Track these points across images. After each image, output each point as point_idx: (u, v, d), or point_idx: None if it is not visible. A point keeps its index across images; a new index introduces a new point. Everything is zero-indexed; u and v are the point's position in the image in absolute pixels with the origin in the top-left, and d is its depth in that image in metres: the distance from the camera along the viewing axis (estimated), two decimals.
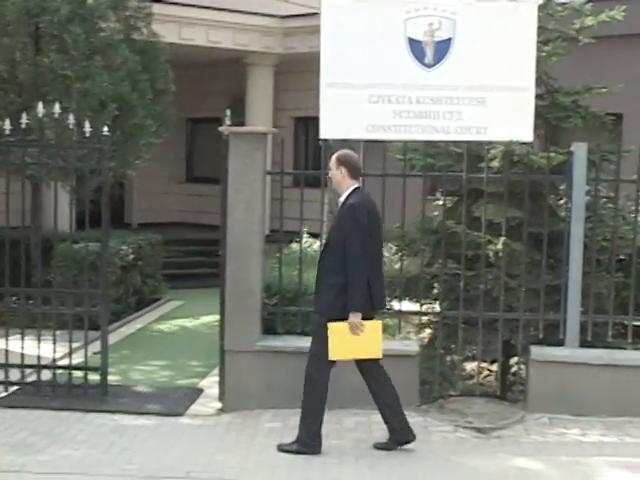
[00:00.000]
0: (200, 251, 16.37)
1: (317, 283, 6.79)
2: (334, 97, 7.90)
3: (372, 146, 8.06)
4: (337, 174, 6.78)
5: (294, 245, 10.52)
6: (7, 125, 7.99)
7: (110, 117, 11.19)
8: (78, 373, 8.17)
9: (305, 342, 7.86)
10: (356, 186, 6.76)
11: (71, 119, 8.04)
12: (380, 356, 6.69)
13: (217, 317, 8.15)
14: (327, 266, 6.66)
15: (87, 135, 8.02)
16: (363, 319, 6.57)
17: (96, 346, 8.34)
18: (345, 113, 7.92)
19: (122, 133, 11.71)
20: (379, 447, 6.87)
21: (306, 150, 19.86)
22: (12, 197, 8.16)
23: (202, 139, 20.88)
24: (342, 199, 6.76)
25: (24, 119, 8.01)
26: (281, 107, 18.87)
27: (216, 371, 8.41)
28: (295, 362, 7.70)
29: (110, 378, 8.30)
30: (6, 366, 8.17)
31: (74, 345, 8.24)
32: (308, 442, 6.73)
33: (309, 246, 11.20)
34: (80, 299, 8.39)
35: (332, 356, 6.61)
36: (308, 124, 19.14)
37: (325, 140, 8.10)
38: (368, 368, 6.79)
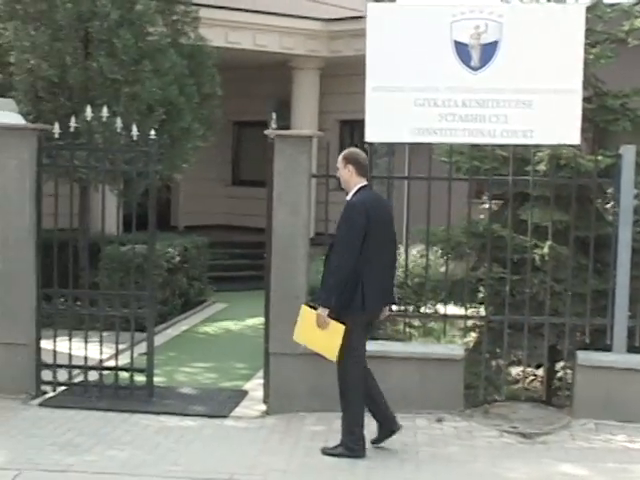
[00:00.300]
0: (245, 254, 16.42)
1: (321, 281, 6.71)
2: (380, 100, 7.88)
3: (417, 149, 8.02)
4: (345, 172, 6.76)
5: None
6: (56, 129, 8.07)
7: (158, 121, 11.29)
8: (124, 374, 8.23)
9: None
10: (363, 184, 6.73)
11: (119, 123, 8.11)
12: (334, 358, 6.61)
13: (262, 320, 8.16)
14: (331, 264, 6.60)
15: (135, 139, 8.08)
16: (356, 322, 6.56)
17: (142, 348, 8.40)
18: (391, 116, 7.90)
19: (169, 136, 11.80)
20: (374, 442, 6.85)
21: None
22: (60, 200, 8.25)
23: (248, 142, 20.94)
24: (348, 197, 6.73)
25: (73, 123, 8.09)
26: (326, 110, 18.86)
27: (261, 374, 8.43)
28: None
29: (156, 379, 8.35)
30: (54, 367, 8.26)
31: (121, 346, 8.30)
32: (352, 446, 6.71)
33: None
34: (127, 301, 8.45)
35: (295, 337, 6.74)
36: (353, 127, 19.10)
37: (370, 143, 8.08)
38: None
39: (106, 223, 8.42)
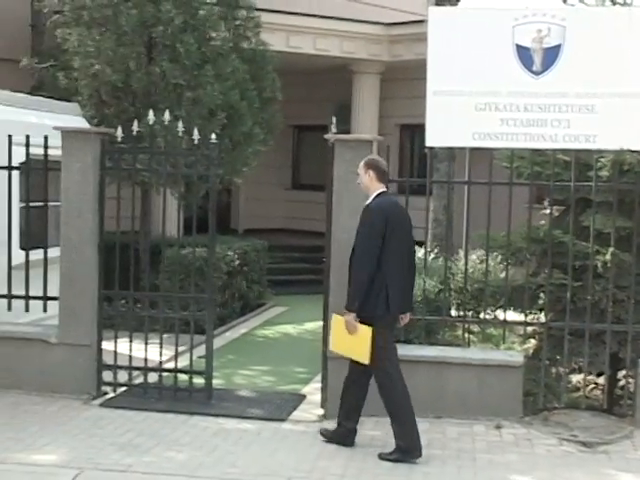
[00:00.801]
0: (304, 257, 16.45)
1: (348, 283, 6.83)
2: (440, 105, 7.83)
3: (478, 154, 7.96)
4: (365, 178, 6.95)
5: None
6: (119, 132, 8.16)
7: (219, 125, 11.37)
8: (183, 376, 8.28)
9: (408, 350, 7.83)
10: (382, 190, 6.89)
11: (181, 127, 8.17)
12: (367, 361, 6.69)
13: (321, 323, 8.15)
14: (352, 268, 6.75)
15: (196, 142, 8.14)
16: (383, 324, 6.67)
17: (201, 350, 8.44)
18: (451, 121, 7.85)
19: (230, 141, 11.88)
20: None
21: (411, 158, 19.78)
22: (122, 203, 8.33)
23: (308, 146, 21.00)
24: (367, 202, 6.88)
25: (136, 127, 8.18)
26: (387, 114, 18.82)
27: (319, 377, 8.42)
28: None
29: (214, 382, 8.39)
30: (115, 368, 8.34)
31: (180, 349, 8.35)
32: (407, 451, 6.67)
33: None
34: (186, 303, 8.51)
35: (331, 347, 6.93)
36: (414, 132, 19.05)
37: (431, 148, 8.03)
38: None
39: (167, 226, 8.50)
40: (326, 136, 7.91)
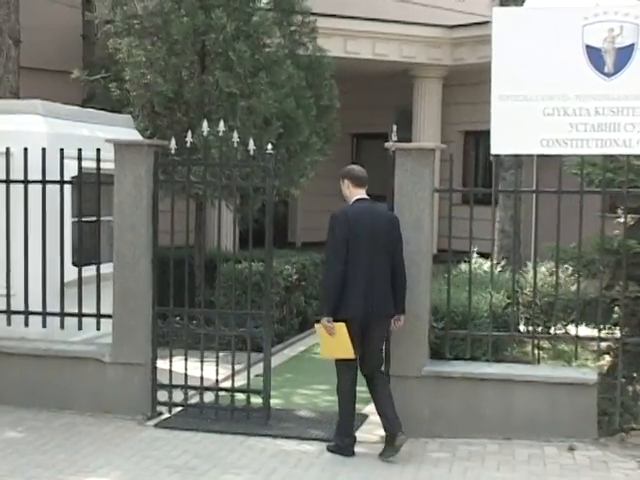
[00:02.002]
0: None
1: None
2: (506, 110, 7.77)
3: (546, 162, 7.88)
4: (344, 189, 7.48)
5: (463, 266, 10.40)
6: (173, 144, 8.23)
7: (275, 135, 11.41)
8: (241, 396, 8.30)
9: (474, 367, 7.77)
10: (360, 197, 7.37)
11: (235, 137, 8.22)
12: (352, 356, 7.19)
13: None
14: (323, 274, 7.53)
15: (252, 153, 8.18)
16: (346, 324, 7.14)
17: (259, 368, 8.46)
18: (518, 127, 7.78)
19: (286, 151, 11.91)
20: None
21: (476, 166, 19.69)
22: (176, 216, 8.39)
23: (367, 155, 21.00)
24: None
25: (189, 138, 8.24)
26: (450, 121, 18.78)
27: None
28: (464, 389, 7.64)
29: (273, 402, 8.40)
30: (170, 387, 8.40)
31: (237, 367, 8.36)
32: (342, 445, 7.32)
33: (479, 267, 11.06)
34: (243, 320, 8.53)
35: (322, 354, 7.45)
36: (478, 139, 18.98)
37: (497, 155, 7.98)
38: (371, 376, 7.37)
39: (222, 240, 8.54)
40: (386, 145, 7.90)
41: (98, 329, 8.63)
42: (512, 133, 7.82)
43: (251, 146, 8.14)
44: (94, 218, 8.65)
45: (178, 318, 8.51)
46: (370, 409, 8.78)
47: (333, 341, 7.17)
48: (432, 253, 8.05)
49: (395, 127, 7.98)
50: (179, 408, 8.47)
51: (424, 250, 7.78)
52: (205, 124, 8.29)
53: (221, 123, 8.31)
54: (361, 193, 7.39)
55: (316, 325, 7.37)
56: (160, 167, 8.42)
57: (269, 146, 8.25)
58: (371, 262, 7.18)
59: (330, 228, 7.23)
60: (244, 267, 10.59)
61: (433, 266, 7.98)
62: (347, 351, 7.15)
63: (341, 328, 7.11)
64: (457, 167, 18.28)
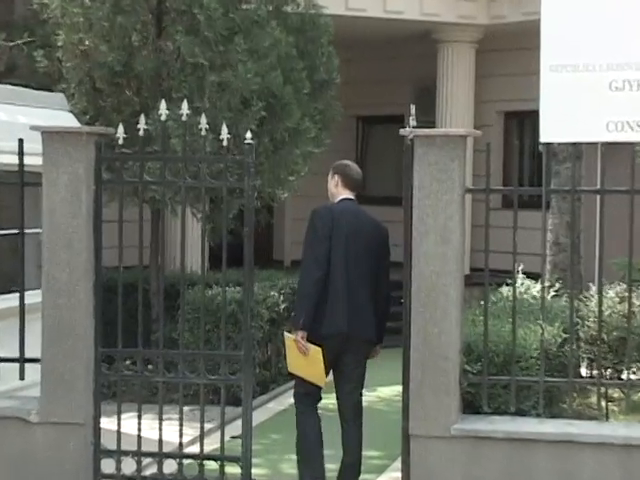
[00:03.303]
0: None
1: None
2: (560, 84, 7.78)
3: (614, 151, 7.88)
4: (331, 184, 8.36)
5: (505, 290, 10.41)
6: (120, 132, 8.21)
7: (256, 119, 11.41)
8: (212, 464, 8.30)
9: (521, 424, 7.77)
10: (346, 197, 8.26)
11: (204, 122, 8.20)
12: (321, 384, 8.04)
13: (399, 389, 8.12)
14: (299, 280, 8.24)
15: (225, 144, 8.17)
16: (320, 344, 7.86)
17: (236, 427, 8.46)
18: (576, 105, 7.79)
19: (271, 140, 11.92)
20: None
21: (520, 158, 19.73)
22: (127, 228, 8.38)
23: (377, 145, 21.05)
24: None
25: (142, 124, 8.23)
26: (485, 99, 18.83)
27: (398, 464, 8.38)
28: (508, 453, 7.63)
29: (255, 471, 8.38)
30: (118, 454, 8.37)
31: (207, 426, 8.36)
32: None
33: (526, 291, 11.05)
34: (215, 364, 8.52)
35: (289, 368, 8.17)
36: (523, 121, 19.04)
37: (548, 144, 7.98)
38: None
39: (187, 258, 8.54)
40: (402, 131, 7.91)
41: (22, 378, 8.60)
42: (568, 114, 7.83)
43: (224, 134, 8.14)
44: (15, 231, 8.63)
45: (129, 362, 8.51)
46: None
47: (304, 360, 7.81)
48: (464, 273, 8.05)
49: (414, 108, 7.99)
50: None
51: (453, 269, 7.78)
52: (163, 105, 8.28)
53: (184, 104, 8.31)
54: (348, 194, 8.32)
55: (286, 334, 8.01)
56: (104, 163, 8.41)
57: (248, 134, 8.25)
58: (353, 270, 8.01)
59: (310, 226, 7.92)
60: (216, 294, 10.58)
61: (465, 291, 7.98)
62: (318, 377, 7.90)
63: (317, 353, 7.80)
64: (496, 159, 18.30)
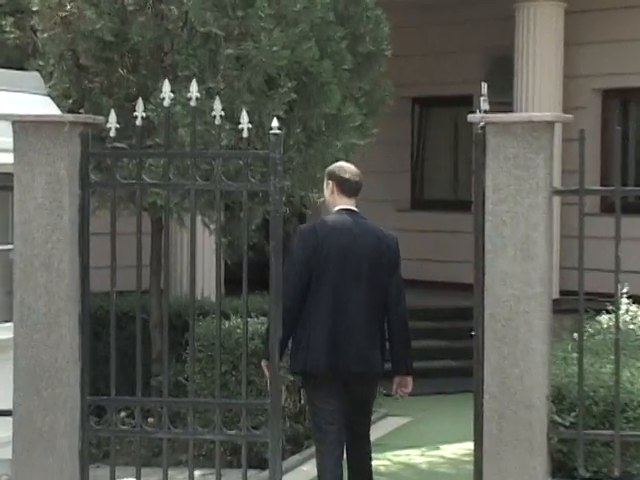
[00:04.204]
0: (437, 329, 16.41)
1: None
2: None
3: None
4: (326, 192, 8.92)
5: (604, 318, 10.39)
6: (112, 121, 8.23)
7: (284, 103, 11.43)
8: None
9: None
10: (343, 207, 8.75)
11: (218, 108, 8.23)
12: None
13: (469, 446, 8.13)
14: None
15: (245, 135, 8.20)
16: (305, 383, 8.73)
17: None
18: None
19: (304, 130, 11.93)
20: None
21: (624, 149, 19.66)
22: (122, 242, 8.42)
23: (439, 133, 21.06)
24: None
25: (140, 110, 8.26)
26: (578, 73, 18.79)
27: None
28: None
29: None
30: None
31: None
32: None
33: (632, 319, 11.02)
34: (234, 415, 8.55)
35: None
36: (627, 102, 18.97)
37: None
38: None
39: (198, 281, 8.58)
40: (471, 117, 7.92)
41: None
42: None
43: (244, 123, 8.16)
44: None
45: (124, 414, 8.54)
46: None
47: None
48: (551, 297, 8.04)
49: (485, 86, 8.01)
50: None
51: (537, 292, 7.77)
52: (167, 86, 8.32)
53: (193, 84, 8.34)
54: (347, 203, 8.82)
55: (263, 361, 8.50)
56: (92, 160, 8.45)
57: (274, 123, 8.27)
58: (345, 295, 8.46)
59: (293, 247, 8.50)
60: (235, 326, 10.62)
61: (554, 320, 7.97)
62: None
63: None
64: (592, 152, 18.26)
